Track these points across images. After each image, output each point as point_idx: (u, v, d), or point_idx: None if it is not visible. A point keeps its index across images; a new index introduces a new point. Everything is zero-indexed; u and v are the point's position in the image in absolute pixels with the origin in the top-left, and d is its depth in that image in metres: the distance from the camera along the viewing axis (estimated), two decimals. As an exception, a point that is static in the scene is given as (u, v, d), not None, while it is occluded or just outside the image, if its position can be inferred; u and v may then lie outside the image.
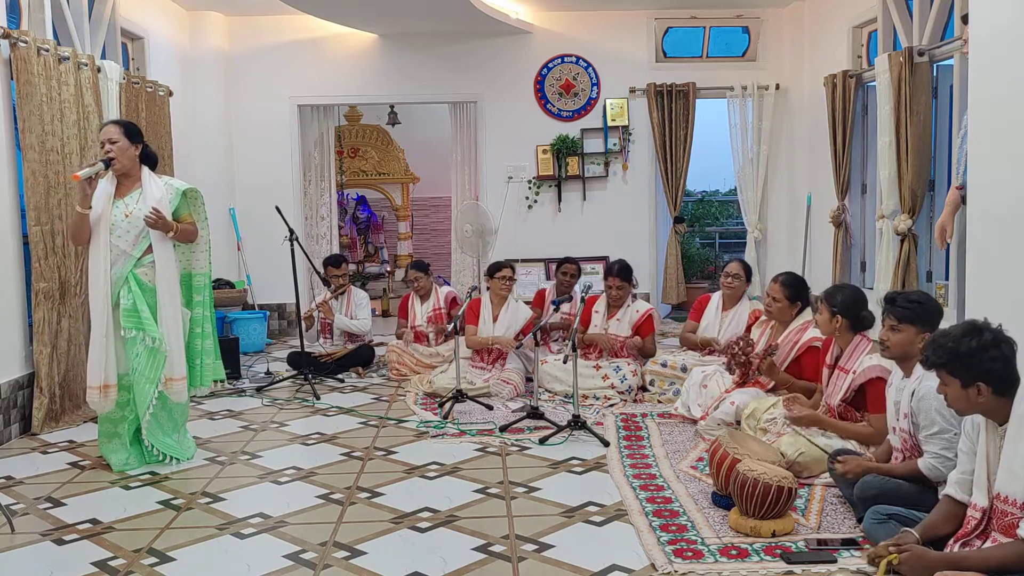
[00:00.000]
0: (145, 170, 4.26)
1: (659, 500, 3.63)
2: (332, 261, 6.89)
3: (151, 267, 4.18)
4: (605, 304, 5.93)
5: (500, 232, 7.73)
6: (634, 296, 5.99)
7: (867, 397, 3.77)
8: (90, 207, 4.08)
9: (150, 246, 4.17)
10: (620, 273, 5.83)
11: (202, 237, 4.44)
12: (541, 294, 6.81)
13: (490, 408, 5.26)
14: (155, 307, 4.17)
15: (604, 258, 8.43)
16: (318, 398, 5.73)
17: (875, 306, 4.08)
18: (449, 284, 8.17)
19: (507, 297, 5.99)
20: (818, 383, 4.23)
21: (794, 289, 4.66)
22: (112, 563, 3.10)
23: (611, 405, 5.36)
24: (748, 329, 5.22)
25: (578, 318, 5.09)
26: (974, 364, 2.55)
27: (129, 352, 4.14)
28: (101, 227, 4.11)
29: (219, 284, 7.80)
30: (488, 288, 6.10)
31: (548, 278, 8.22)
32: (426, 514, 3.54)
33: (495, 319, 5.96)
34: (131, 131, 4.23)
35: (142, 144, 4.26)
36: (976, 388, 2.56)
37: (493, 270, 6.06)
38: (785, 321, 4.67)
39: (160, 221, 4.11)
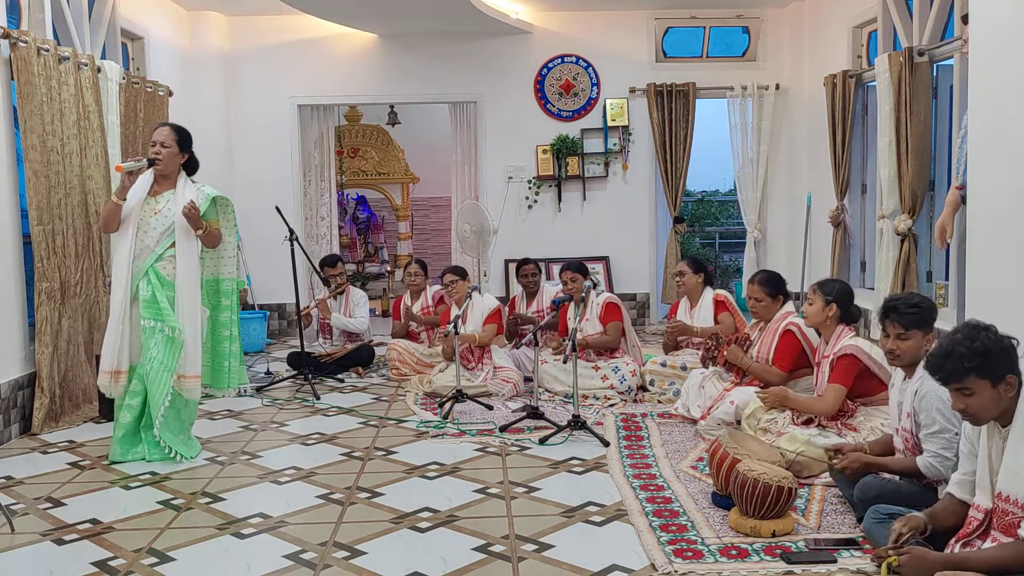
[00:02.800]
0: (183, 176, 4.41)
1: (659, 500, 3.63)
2: (328, 261, 6.90)
3: (171, 261, 4.32)
4: (573, 307, 5.90)
5: (500, 232, 7.73)
6: (594, 285, 5.92)
7: (833, 369, 3.85)
8: (125, 199, 4.24)
9: (173, 243, 4.32)
10: (576, 268, 5.89)
11: (230, 244, 4.59)
12: (514, 301, 6.76)
13: (490, 408, 5.27)
14: (173, 300, 4.30)
15: (604, 258, 8.45)
16: (318, 398, 5.73)
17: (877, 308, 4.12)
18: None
19: (464, 296, 5.90)
20: (781, 367, 4.47)
21: (772, 285, 4.73)
22: (112, 563, 3.10)
23: (611, 405, 5.36)
24: (715, 317, 5.53)
25: (577, 321, 5.11)
26: (1000, 356, 2.52)
27: (147, 342, 4.24)
28: (131, 220, 4.28)
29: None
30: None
31: (548, 278, 8.21)
32: (426, 514, 3.54)
33: (464, 320, 5.92)
34: (184, 140, 4.39)
35: (189, 153, 4.43)
36: (1006, 382, 2.52)
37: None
38: (770, 318, 4.73)
39: (194, 213, 4.26)
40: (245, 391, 5.80)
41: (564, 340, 5.66)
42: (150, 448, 4.34)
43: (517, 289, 6.70)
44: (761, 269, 5.11)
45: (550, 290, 6.55)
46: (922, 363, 3.20)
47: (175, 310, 4.28)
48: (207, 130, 7.97)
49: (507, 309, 6.52)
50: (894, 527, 2.73)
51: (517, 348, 5.95)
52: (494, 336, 5.96)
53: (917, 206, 5.95)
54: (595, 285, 5.46)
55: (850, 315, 4.07)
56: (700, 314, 5.66)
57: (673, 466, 4.11)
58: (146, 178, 4.32)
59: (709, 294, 5.70)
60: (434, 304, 6.69)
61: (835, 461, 3.40)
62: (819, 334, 4.31)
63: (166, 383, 4.22)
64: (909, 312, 3.23)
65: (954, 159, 5.00)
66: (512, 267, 8.24)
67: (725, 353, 4.79)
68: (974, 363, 2.52)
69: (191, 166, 4.47)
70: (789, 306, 4.74)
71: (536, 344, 5.13)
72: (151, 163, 4.27)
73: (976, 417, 2.60)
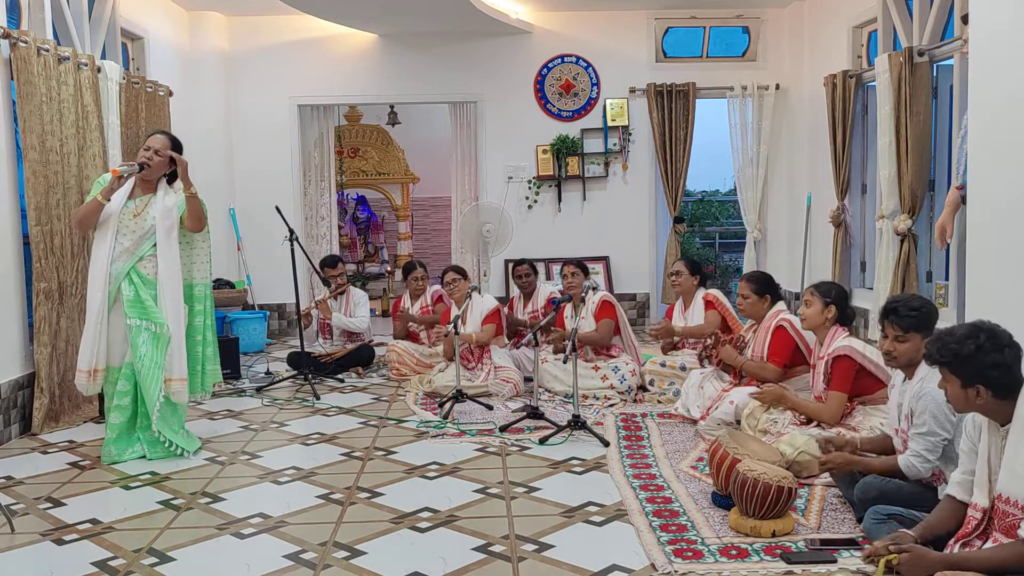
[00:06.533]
0: (163, 182, 4.45)
1: (659, 500, 3.63)
2: (328, 262, 6.90)
3: (151, 261, 4.35)
4: (572, 307, 5.89)
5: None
6: (593, 289, 5.90)
7: (832, 373, 3.87)
8: (109, 199, 4.27)
9: (154, 244, 4.35)
10: (577, 263, 5.93)
11: (203, 247, 4.62)
12: (512, 301, 6.75)
13: (490, 408, 5.27)
14: (156, 299, 4.33)
15: (604, 258, 8.45)
16: (318, 398, 5.73)
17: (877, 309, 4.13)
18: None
19: (464, 296, 5.91)
20: (776, 363, 4.50)
21: (759, 283, 4.76)
22: (112, 563, 3.10)
23: (611, 405, 5.36)
24: (706, 316, 5.56)
25: (577, 322, 5.11)
26: (974, 367, 2.53)
27: (135, 340, 4.27)
28: (111, 223, 4.31)
29: (219, 284, 7.79)
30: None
31: (548, 278, 8.21)
32: (426, 514, 3.54)
33: (464, 321, 5.89)
34: (177, 150, 4.41)
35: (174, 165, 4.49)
36: (975, 390, 2.55)
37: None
38: (760, 317, 4.75)
39: (183, 164, 4.33)
40: (224, 387, 5.85)
41: (563, 332, 5.67)
42: (149, 447, 4.37)
43: (516, 290, 6.71)
44: (752, 270, 5.17)
45: (546, 290, 6.56)
46: (922, 364, 3.21)
47: (158, 307, 4.32)
48: (207, 130, 8.01)
49: (506, 310, 6.52)
50: (878, 544, 2.69)
51: (517, 348, 5.95)
52: (493, 336, 5.96)
53: (917, 206, 5.95)
54: (595, 288, 5.42)
55: (846, 316, 4.10)
56: (693, 315, 5.67)
57: (673, 466, 4.11)
58: (127, 182, 4.35)
59: (701, 294, 5.71)
60: (433, 303, 6.69)
61: (822, 459, 3.41)
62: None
63: (158, 379, 4.27)
64: (909, 315, 3.24)
65: (954, 159, 5.00)
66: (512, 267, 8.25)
67: (720, 353, 4.82)
68: (946, 358, 2.59)
69: (172, 175, 4.52)
70: (780, 305, 4.76)
71: (536, 344, 5.13)
72: (141, 168, 4.30)
73: (951, 404, 2.70)
